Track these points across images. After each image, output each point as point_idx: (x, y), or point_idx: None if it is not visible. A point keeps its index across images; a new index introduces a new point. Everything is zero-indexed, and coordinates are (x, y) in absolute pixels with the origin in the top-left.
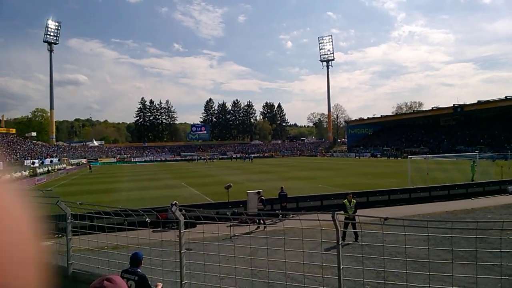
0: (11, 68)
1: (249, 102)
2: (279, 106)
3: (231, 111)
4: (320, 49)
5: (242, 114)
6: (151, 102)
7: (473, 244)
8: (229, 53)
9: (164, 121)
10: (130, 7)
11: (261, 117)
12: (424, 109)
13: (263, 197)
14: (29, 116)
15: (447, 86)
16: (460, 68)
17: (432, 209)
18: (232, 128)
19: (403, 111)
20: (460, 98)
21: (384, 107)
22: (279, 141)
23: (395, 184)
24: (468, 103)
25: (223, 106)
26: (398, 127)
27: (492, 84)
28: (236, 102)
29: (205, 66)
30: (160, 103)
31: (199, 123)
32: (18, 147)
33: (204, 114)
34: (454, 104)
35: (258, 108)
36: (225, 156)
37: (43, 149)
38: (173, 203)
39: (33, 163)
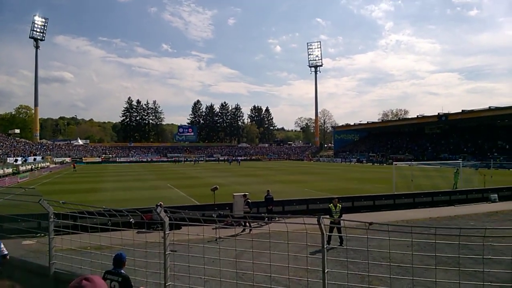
0: None
1: (237, 105)
2: (267, 109)
3: (219, 114)
4: (309, 54)
5: (229, 116)
6: (138, 102)
7: (456, 250)
8: (218, 55)
9: (151, 121)
10: (119, 6)
11: (249, 120)
12: (409, 117)
13: (249, 200)
14: (13, 113)
15: (432, 95)
16: (445, 77)
17: (416, 215)
18: (219, 131)
19: (389, 118)
20: (445, 107)
21: (370, 114)
22: (266, 145)
23: (380, 190)
24: (452, 112)
25: (211, 108)
26: (384, 134)
27: (476, 94)
28: (224, 104)
29: (193, 68)
30: (147, 103)
31: (186, 124)
32: (1, 144)
33: (192, 116)
34: (438, 113)
35: (246, 111)
36: (211, 158)
37: (27, 146)
38: (158, 204)
39: (16, 160)
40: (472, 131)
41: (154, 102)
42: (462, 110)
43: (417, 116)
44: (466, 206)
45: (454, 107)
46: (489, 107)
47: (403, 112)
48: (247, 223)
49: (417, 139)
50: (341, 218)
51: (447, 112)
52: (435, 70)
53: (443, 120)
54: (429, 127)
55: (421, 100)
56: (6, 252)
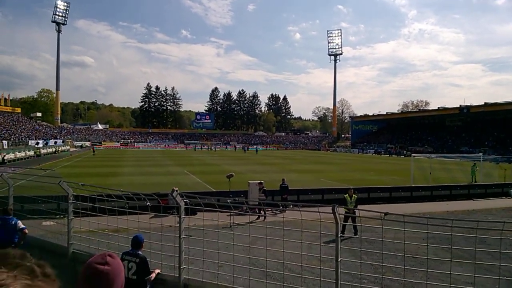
0: (18, 47)
1: (255, 93)
2: (285, 98)
3: (236, 101)
4: (329, 42)
5: (247, 104)
6: (157, 88)
7: (473, 244)
8: (237, 42)
9: (169, 107)
10: None
11: (266, 108)
12: (430, 109)
13: (265, 188)
14: (35, 96)
15: (455, 87)
16: (469, 69)
17: (433, 208)
18: (236, 118)
19: (409, 110)
20: (467, 99)
21: (390, 105)
22: (283, 134)
23: (397, 182)
24: (475, 104)
25: (228, 95)
26: (403, 125)
27: (500, 87)
28: (241, 92)
29: (212, 54)
30: (166, 89)
31: (204, 111)
32: (23, 127)
33: (209, 103)
34: (460, 105)
35: (263, 99)
36: (228, 146)
37: (48, 130)
38: (175, 189)
39: (37, 143)
40: (494, 125)
41: (173, 88)
42: (485, 103)
43: (438, 107)
44: (485, 200)
45: (476, 99)
46: None
47: (423, 104)
48: (262, 211)
49: (437, 131)
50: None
51: (469, 104)
52: (458, 61)
53: (465, 113)
54: (450, 119)
55: (443, 91)
56: (23, 226)
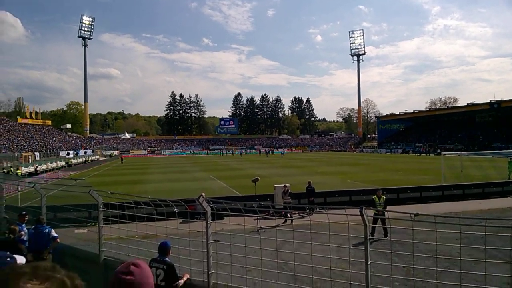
0: (47, 62)
1: (278, 96)
2: (308, 100)
3: (260, 106)
4: (351, 43)
5: (270, 108)
6: (181, 96)
7: (508, 243)
8: (258, 47)
9: (193, 114)
10: (161, 2)
11: (290, 111)
12: (459, 105)
13: (290, 191)
14: (64, 109)
15: (484, 82)
16: (498, 63)
17: (465, 207)
18: (260, 122)
19: (437, 107)
20: (498, 94)
21: (417, 103)
22: (308, 136)
23: (427, 181)
24: (506, 99)
25: (251, 100)
26: (432, 123)
27: None
28: (264, 96)
29: (233, 61)
30: (190, 97)
31: (228, 117)
32: (54, 138)
33: (233, 108)
34: (490, 100)
35: (286, 102)
36: (253, 150)
37: (77, 140)
38: (200, 195)
39: (68, 154)
40: None
41: (196, 95)
42: None
43: (467, 104)
44: None
45: (507, 94)
46: None
47: (452, 100)
48: (288, 214)
49: (467, 128)
50: (385, 209)
51: (499, 99)
52: (486, 56)
53: (496, 108)
54: (480, 115)
55: (471, 87)
56: (56, 235)
